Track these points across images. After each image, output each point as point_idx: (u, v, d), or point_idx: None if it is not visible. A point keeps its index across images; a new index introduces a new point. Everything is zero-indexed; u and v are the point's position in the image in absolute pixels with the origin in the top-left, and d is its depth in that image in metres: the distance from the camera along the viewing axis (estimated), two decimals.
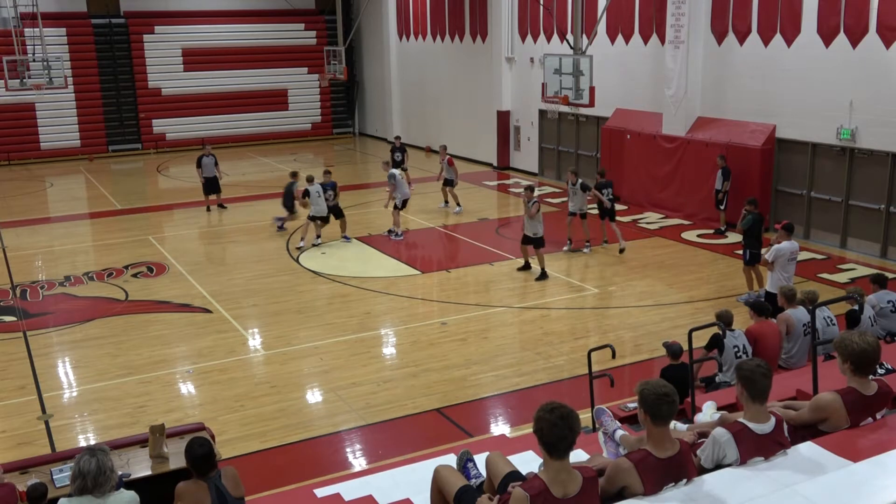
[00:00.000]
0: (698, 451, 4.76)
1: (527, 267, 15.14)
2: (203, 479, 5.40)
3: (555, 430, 4.04)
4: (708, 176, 18.23)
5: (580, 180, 16.23)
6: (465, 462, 5.37)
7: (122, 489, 5.31)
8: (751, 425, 4.67)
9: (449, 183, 20.06)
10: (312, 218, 17.10)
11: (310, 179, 17.22)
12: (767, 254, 11.56)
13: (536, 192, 15.19)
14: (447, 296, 14.14)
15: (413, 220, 19.48)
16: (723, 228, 17.17)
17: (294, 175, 18.80)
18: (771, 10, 16.98)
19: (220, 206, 21.03)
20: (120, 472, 6.02)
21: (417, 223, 19.24)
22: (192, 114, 31.72)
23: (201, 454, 5.42)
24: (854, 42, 15.44)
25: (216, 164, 20.61)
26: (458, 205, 20.20)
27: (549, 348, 11.63)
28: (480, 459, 5.61)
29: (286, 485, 7.88)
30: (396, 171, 18.08)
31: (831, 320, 9.02)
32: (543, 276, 14.67)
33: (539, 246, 14.64)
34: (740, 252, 15.98)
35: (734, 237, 16.57)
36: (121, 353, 11.78)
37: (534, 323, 12.79)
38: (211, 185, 20.64)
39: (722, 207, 17.16)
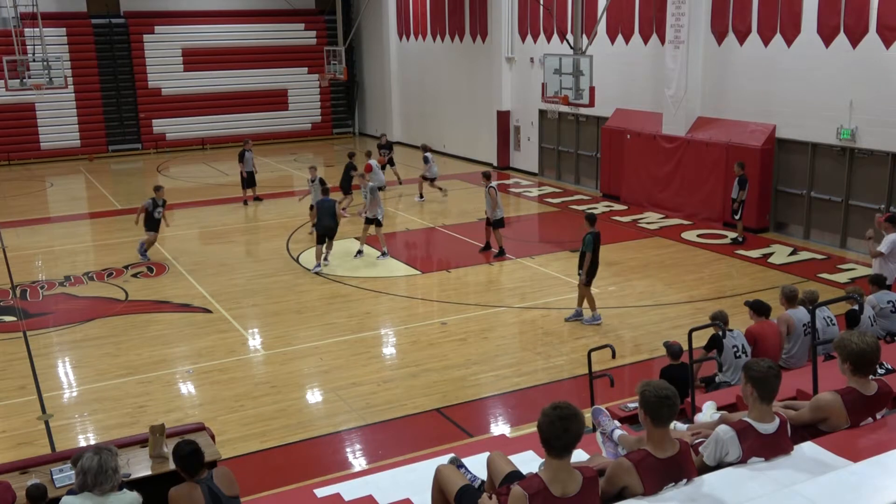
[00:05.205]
0: (700, 448, 4.76)
1: (487, 247, 16.54)
2: (194, 481, 5.38)
3: (551, 428, 4.07)
4: (708, 176, 18.23)
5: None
6: (457, 468, 5.36)
7: (124, 490, 5.32)
8: (755, 424, 4.67)
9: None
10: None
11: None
12: (881, 245, 11.18)
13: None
14: (447, 296, 14.14)
15: (414, 220, 19.49)
16: (741, 239, 16.69)
17: (351, 156, 20.50)
18: (771, 10, 16.97)
19: (256, 199, 21.57)
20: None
21: (418, 223, 19.24)
22: (192, 114, 31.70)
23: (189, 451, 5.43)
24: (854, 42, 15.44)
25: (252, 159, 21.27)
26: (423, 195, 21.11)
27: (549, 348, 11.63)
28: (476, 461, 5.61)
29: (286, 485, 7.88)
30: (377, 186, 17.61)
31: (831, 320, 9.02)
32: (500, 252, 16.19)
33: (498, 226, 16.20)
34: (741, 253, 16.09)
35: (750, 244, 16.66)
36: (121, 353, 11.78)
37: (534, 323, 12.79)
38: (250, 180, 21.23)
39: (738, 217, 16.62)
